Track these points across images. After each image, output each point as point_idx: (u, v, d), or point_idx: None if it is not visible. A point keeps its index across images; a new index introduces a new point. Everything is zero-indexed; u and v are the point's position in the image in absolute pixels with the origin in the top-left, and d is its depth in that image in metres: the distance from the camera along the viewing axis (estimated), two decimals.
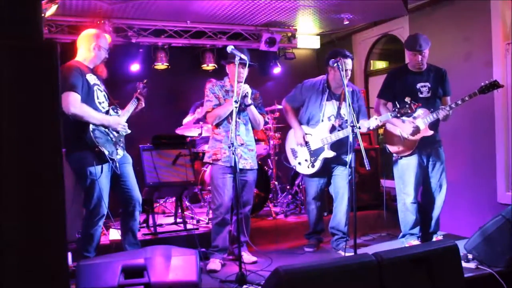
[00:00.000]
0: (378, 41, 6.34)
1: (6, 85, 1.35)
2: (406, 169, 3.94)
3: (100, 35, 3.41)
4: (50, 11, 3.96)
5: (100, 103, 3.30)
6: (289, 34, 6.32)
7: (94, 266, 2.78)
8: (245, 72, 3.56)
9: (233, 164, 3.28)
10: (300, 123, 4.05)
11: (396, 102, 3.65)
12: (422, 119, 3.82)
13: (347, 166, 3.77)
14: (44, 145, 1.42)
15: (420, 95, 3.88)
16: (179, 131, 5.22)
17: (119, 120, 3.39)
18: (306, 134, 3.99)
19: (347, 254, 3.74)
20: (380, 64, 6.67)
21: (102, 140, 3.20)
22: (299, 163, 4.05)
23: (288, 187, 5.59)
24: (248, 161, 3.71)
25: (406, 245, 3.89)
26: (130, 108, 3.52)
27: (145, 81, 3.74)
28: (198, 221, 4.65)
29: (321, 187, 4.09)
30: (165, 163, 4.21)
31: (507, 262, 3.20)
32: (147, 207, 4.47)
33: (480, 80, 3.70)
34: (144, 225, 4.48)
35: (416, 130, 3.83)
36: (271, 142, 5.29)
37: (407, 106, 3.58)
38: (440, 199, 4.00)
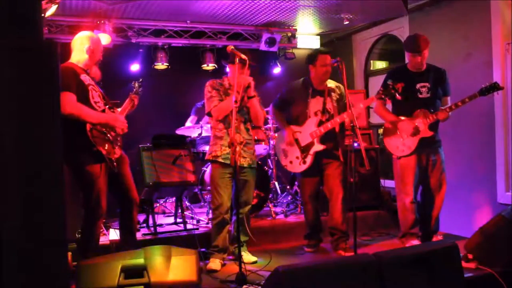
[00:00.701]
0: (378, 41, 6.34)
1: (7, 85, 1.35)
2: (405, 169, 3.94)
3: (93, 37, 3.39)
4: (50, 11, 3.95)
5: (95, 102, 3.29)
6: (289, 34, 6.32)
7: (94, 266, 2.78)
8: (245, 72, 3.59)
9: (232, 164, 3.28)
10: (289, 124, 4.12)
11: (381, 86, 3.79)
12: (422, 119, 3.82)
13: (340, 161, 3.92)
14: (44, 145, 1.42)
15: (420, 96, 3.88)
16: (179, 131, 5.22)
17: (117, 116, 3.36)
18: (295, 132, 4.02)
19: (347, 254, 3.74)
20: (380, 64, 6.67)
21: (99, 140, 3.19)
22: (291, 162, 4.06)
23: (288, 187, 5.59)
24: (246, 159, 3.72)
25: (406, 245, 3.89)
26: (126, 107, 3.51)
27: (140, 80, 3.72)
28: (198, 221, 4.65)
29: (316, 185, 4.10)
30: (165, 163, 4.21)
31: (507, 262, 3.20)
32: (147, 207, 4.46)
33: (480, 80, 3.70)
34: (144, 225, 4.48)
35: (416, 131, 3.83)
36: (271, 142, 5.29)
37: (390, 87, 3.65)
38: (439, 199, 3.99)
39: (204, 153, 4.92)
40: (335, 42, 6.69)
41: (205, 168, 4.80)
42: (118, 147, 3.37)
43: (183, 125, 5.45)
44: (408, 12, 5.22)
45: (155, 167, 4.15)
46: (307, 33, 6.44)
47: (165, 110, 5.94)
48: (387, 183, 5.18)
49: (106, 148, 3.22)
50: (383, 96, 3.72)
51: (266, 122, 4.46)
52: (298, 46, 6.45)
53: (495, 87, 3.64)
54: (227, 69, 3.94)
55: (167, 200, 5.41)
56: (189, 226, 4.38)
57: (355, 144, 3.86)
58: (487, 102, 4.27)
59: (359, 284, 2.28)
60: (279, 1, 4.93)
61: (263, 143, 5.09)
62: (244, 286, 3.11)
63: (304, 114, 3.99)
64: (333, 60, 3.72)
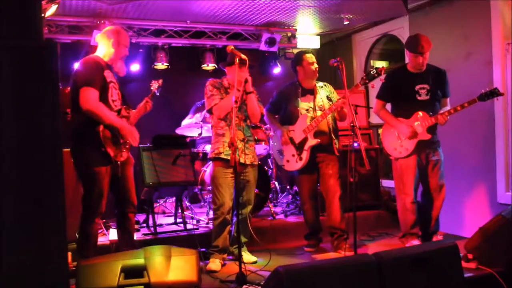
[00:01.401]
0: (378, 41, 6.33)
1: (7, 84, 1.35)
2: (405, 170, 3.94)
3: (120, 31, 3.41)
4: (50, 11, 3.95)
5: (113, 101, 3.30)
6: (289, 34, 6.32)
7: (94, 266, 2.77)
8: (246, 72, 3.59)
9: (232, 164, 3.28)
10: (283, 125, 4.19)
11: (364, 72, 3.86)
12: (420, 122, 3.82)
13: (336, 155, 4.00)
14: (44, 144, 1.42)
15: (418, 97, 3.87)
16: (179, 131, 5.22)
17: (132, 130, 3.35)
18: (289, 131, 4.07)
19: (347, 254, 3.74)
20: (380, 64, 6.66)
21: (110, 141, 3.19)
22: (287, 161, 4.11)
23: (288, 187, 5.59)
24: (249, 156, 3.73)
25: (406, 245, 3.89)
26: (140, 110, 3.50)
27: (160, 81, 3.68)
28: (198, 221, 4.65)
29: (314, 183, 4.12)
30: (165, 163, 4.21)
31: (507, 262, 3.20)
32: (147, 207, 4.47)
33: (480, 80, 3.70)
34: (144, 225, 4.48)
35: (414, 134, 3.83)
36: (271, 142, 5.29)
37: (371, 72, 3.70)
38: (439, 199, 3.99)
39: (204, 153, 4.93)
40: (335, 42, 6.69)
41: (205, 168, 4.80)
42: (126, 150, 3.37)
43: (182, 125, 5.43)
44: (408, 12, 5.22)
45: (155, 167, 4.15)
46: (307, 33, 6.44)
47: (165, 110, 5.93)
48: (387, 183, 5.18)
49: (114, 150, 3.22)
50: (366, 81, 3.75)
51: (266, 122, 4.47)
52: (298, 46, 6.45)
53: (495, 93, 3.62)
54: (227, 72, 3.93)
55: (167, 200, 5.41)
56: (189, 226, 4.38)
57: (355, 144, 3.87)
58: (487, 102, 4.23)
59: (359, 284, 2.28)
60: (279, 1, 4.93)
61: (263, 143, 5.09)
62: (244, 286, 3.11)
63: (295, 113, 4.06)
64: (333, 60, 3.72)
